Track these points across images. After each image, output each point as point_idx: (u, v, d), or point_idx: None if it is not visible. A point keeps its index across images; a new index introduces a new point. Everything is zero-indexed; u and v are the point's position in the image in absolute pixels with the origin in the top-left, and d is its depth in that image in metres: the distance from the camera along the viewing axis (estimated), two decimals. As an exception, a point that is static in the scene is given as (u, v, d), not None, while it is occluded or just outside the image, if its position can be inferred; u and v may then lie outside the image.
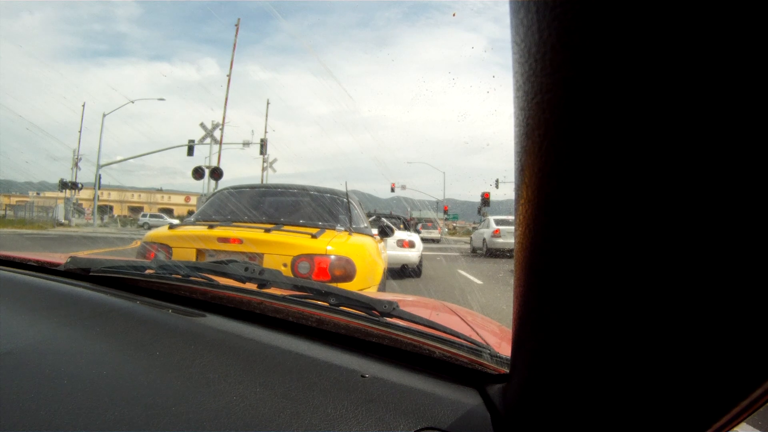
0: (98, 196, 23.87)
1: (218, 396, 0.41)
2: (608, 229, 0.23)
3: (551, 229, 0.26)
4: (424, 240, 7.81)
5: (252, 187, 3.18)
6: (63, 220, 22.09)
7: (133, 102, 21.50)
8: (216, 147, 19.86)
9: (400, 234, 6.32)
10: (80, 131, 23.25)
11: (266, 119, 24.03)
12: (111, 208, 43.01)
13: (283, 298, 0.66)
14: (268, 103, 24.88)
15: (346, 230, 2.52)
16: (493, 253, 10.96)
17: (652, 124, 0.20)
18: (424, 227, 16.11)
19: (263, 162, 23.28)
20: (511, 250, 0.80)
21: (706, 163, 0.19)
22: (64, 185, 21.16)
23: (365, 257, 2.38)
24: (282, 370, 0.47)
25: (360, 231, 2.71)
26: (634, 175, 0.21)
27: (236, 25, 20.51)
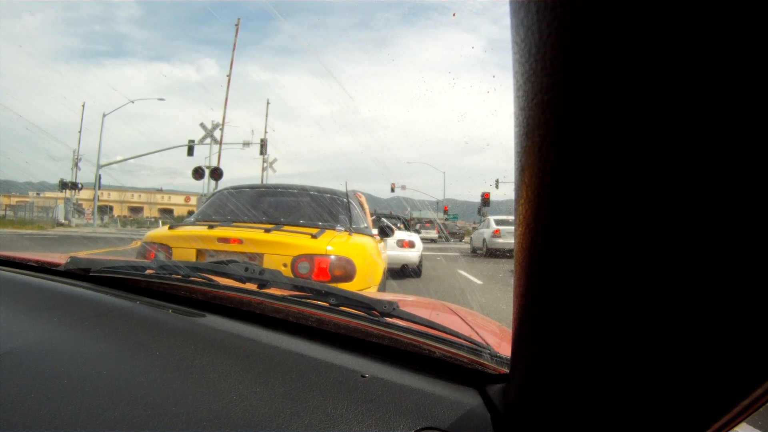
0: (98, 197, 23.86)
1: (218, 396, 0.41)
2: (608, 229, 0.23)
3: (551, 229, 0.26)
4: (422, 240, 7.83)
5: (252, 187, 3.17)
6: (63, 221, 22.08)
7: (133, 102, 21.51)
8: (216, 147, 19.87)
9: (400, 234, 6.32)
10: (80, 131, 23.26)
11: (266, 119, 24.05)
12: (111, 208, 42.96)
13: (283, 298, 0.66)
14: (268, 104, 24.90)
15: (346, 230, 2.52)
16: (493, 253, 10.96)
17: (653, 124, 0.20)
18: (422, 227, 16.18)
19: (263, 162, 23.30)
20: (511, 250, 0.80)
21: (707, 163, 0.19)
22: (64, 185, 21.16)
23: (365, 257, 2.38)
24: (282, 370, 0.47)
25: (360, 231, 2.71)
26: (635, 175, 0.21)
27: (236, 26, 20.52)
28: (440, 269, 8.42)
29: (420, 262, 6.85)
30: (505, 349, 0.49)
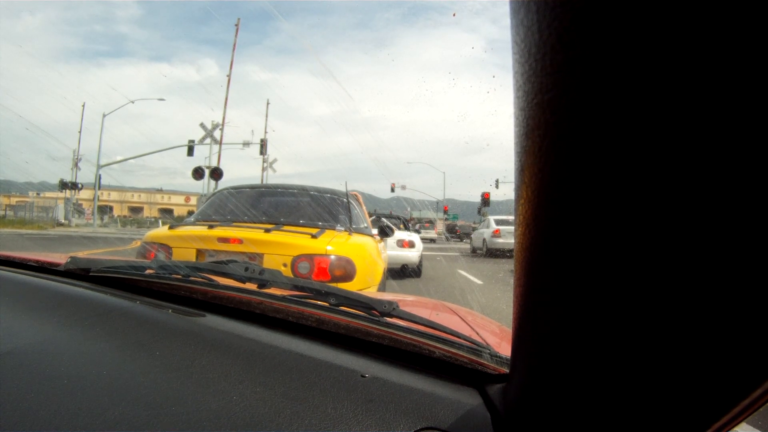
0: (98, 196, 23.86)
1: (218, 396, 0.41)
2: (608, 229, 0.23)
3: (551, 229, 0.26)
4: (422, 240, 7.84)
5: (252, 187, 3.18)
6: (63, 221, 22.08)
7: (133, 102, 21.52)
8: (216, 147, 19.87)
9: (400, 234, 6.32)
10: (80, 131, 23.26)
11: (266, 119, 24.06)
12: (111, 208, 42.96)
13: (283, 298, 0.66)
14: (268, 104, 24.91)
15: (346, 230, 2.52)
16: (493, 253, 10.96)
17: (653, 124, 0.20)
18: (422, 227, 16.21)
19: (263, 162, 23.31)
20: (511, 250, 0.80)
21: (707, 163, 0.19)
22: (64, 185, 21.17)
23: (365, 257, 2.38)
24: (282, 369, 0.47)
25: (360, 231, 2.71)
26: (635, 175, 0.21)
27: (236, 26, 20.52)
28: (440, 269, 8.42)
29: (420, 262, 6.85)
30: (505, 349, 0.49)
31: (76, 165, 22.88)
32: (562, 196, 0.24)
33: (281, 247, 2.18)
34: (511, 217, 0.31)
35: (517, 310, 0.33)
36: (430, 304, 1.15)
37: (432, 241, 18.39)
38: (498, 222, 11.37)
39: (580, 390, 0.29)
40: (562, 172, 0.23)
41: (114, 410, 0.38)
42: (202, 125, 19.84)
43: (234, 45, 20.63)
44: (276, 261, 2.13)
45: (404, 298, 1.19)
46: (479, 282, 6.78)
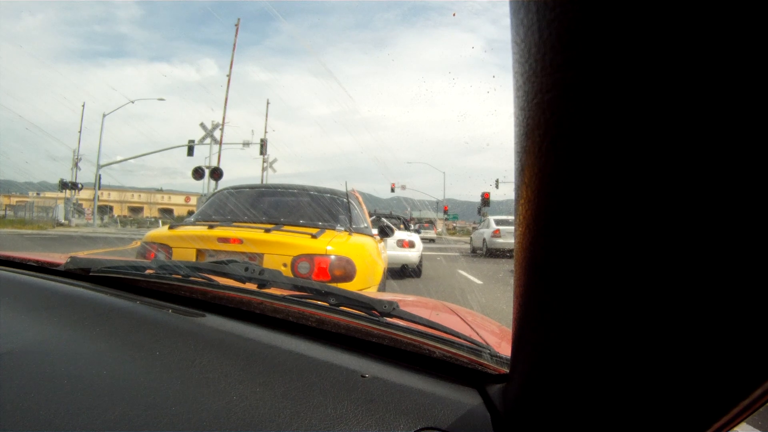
0: (98, 196, 23.88)
1: (218, 396, 0.41)
2: (608, 229, 0.23)
3: (551, 229, 0.26)
4: (422, 240, 7.85)
5: (252, 187, 3.18)
6: (63, 221, 22.07)
7: (133, 102, 21.54)
8: (216, 147, 19.89)
9: (400, 234, 6.33)
10: (80, 131, 23.27)
11: (266, 119, 24.07)
12: (111, 208, 42.97)
13: (283, 298, 0.66)
14: (268, 104, 24.92)
15: (346, 230, 2.52)
16: (493, 253, 10.97)
17: (652, 124, 0.20)
18: (422, 228, 16.22)
19: (263, 162, 23.32)
20: (511, 250, 0.80)
21: (706, 162, 0.19)
22: (64, 185, 21.17)
23: (365, 257, 2.38)
24: (282, 370, 0.47)
25: (360, 231, 2.71)
26: (635, 174, 0.21)
27: (236, 26, 20.54)
28: (440, 269, 8.42)
29: (420, 262, 6.86)
30: (505, 349, 0.49)
31: (76, 165, 22.88)
32: (563, 196, 0.24)
33: (281, 247, 2.18)
34: (511, 217, 0.31)
35: (517, 310, 0.33)
36: (430, 304, 1.15)
37: (432, 241, 18.44)
38: (498, 222, 11.37)
39: (580, 390, 0.29)
40: (562, 172, 0.23)
41: (114, 410, 0.38)
42: (202, 125, 19.87)
43: (234, 45, 20.65)
44: (276, 261, 2.13)
45: (404, 298, 1.19)
46: (479, 282, 6.78)
